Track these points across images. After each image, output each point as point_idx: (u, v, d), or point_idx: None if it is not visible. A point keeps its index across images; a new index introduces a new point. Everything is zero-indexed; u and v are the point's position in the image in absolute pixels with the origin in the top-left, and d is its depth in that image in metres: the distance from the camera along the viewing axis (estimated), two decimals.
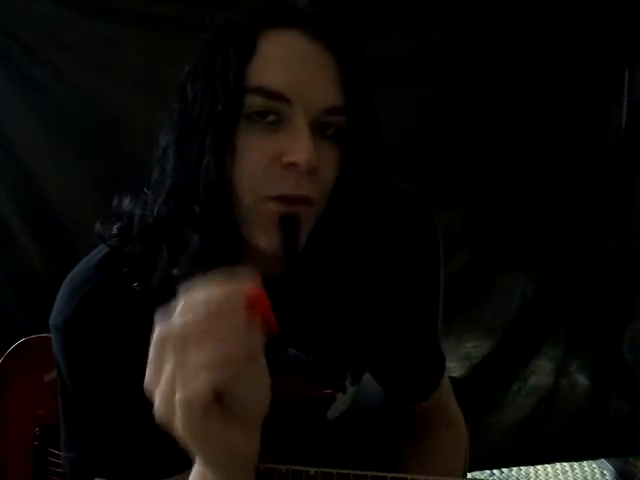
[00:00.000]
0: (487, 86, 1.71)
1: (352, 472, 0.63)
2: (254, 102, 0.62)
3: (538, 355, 1.88)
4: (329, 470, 0.64)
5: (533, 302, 1.84)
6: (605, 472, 2.03)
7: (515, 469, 2.02)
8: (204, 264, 0.61)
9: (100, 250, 0.72)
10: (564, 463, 2.04)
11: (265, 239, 0.65)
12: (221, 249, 0.65)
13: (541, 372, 1.89)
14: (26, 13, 1.51)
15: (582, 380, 1.92)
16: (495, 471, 1.98)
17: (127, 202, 0.71)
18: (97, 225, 0.73)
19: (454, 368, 1.80)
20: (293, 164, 0.62)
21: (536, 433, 1.90)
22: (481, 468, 1.89)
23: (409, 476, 0.63)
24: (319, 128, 0.64)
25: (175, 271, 0.65)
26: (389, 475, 0.63)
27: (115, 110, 1.52)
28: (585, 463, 2.06)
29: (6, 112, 1.55)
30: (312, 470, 0.64)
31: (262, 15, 0.64)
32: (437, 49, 1.67)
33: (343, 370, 0.81)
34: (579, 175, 1.80)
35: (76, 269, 0.73)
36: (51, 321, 0.71)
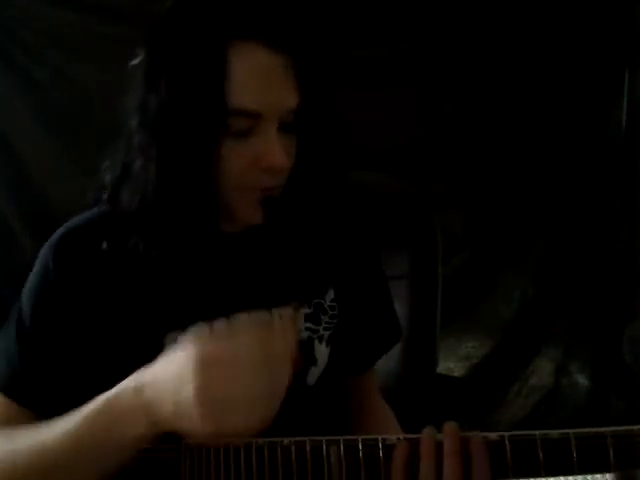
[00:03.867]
0: (488, 86, 1.71)
1: (325, 438, 0.64)
2: (238, 122, 0.71)
3: (538, 355, 1.88)
4: (302, 439, 0.65)
5: (533, 302, 1.84)
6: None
7: None
8: (182, 229, 0.74)
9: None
10: None
11: (248, 216, 0.77)
12: (199, 214, 0.75)
13: (541, 372, 1.89)
14: (26, 13, 1.51)
15: (582, 380, 1.92)
16: None
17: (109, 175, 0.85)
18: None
19: (454, 368, 1.80)
20: (271, 168, 0.72)
21: None
22: None
23: (380, 436, 0.63)
24: (281, 126, 0.73)
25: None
26: (361, 437, 0.64)
27: (115, 110, 1.52)
28: None
29: (6, 112, 1.55)
30: (286, 440, 0.65)
31: (227, 25, 0.70)
32: (438, 49, 1.67)
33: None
34: (579, 175, 1.80)
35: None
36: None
